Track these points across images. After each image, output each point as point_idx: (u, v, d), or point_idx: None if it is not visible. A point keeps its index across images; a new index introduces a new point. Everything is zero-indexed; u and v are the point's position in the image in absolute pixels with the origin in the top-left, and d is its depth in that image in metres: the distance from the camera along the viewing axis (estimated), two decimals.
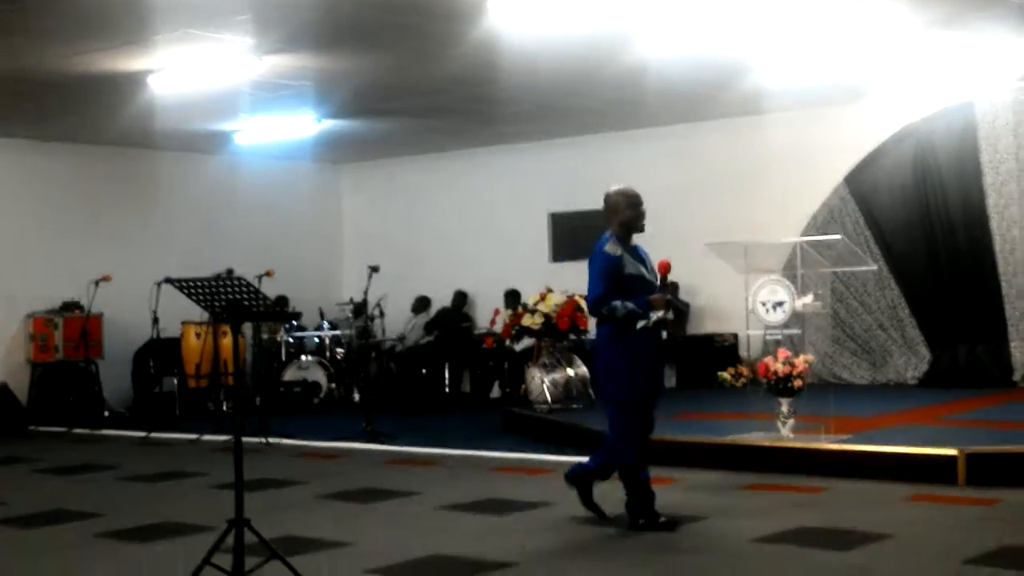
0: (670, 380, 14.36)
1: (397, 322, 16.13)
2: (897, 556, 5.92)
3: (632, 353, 6.71)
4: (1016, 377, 12.39)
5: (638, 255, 6.85)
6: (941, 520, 6.81)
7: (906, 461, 8.14)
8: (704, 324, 14.33)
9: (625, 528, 6.71)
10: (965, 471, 7.83)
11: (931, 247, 13.01)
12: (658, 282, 6.81)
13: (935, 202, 12.95)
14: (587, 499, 7.08)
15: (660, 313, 6.67)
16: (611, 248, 6.73)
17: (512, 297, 14.51)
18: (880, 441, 8.63)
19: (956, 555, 5.85)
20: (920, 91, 12.79)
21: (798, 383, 8.69)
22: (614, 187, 6.98)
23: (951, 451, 7.98)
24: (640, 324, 6.61)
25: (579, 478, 7.10)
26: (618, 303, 6.59)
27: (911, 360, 13.04)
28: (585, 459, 7.17)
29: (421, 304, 16.13)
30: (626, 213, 6.82)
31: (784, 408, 8.83)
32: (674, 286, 14.33)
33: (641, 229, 6.88)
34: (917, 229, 13.10)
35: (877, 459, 8.24)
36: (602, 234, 6.83)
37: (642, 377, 6.74)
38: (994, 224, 12.51)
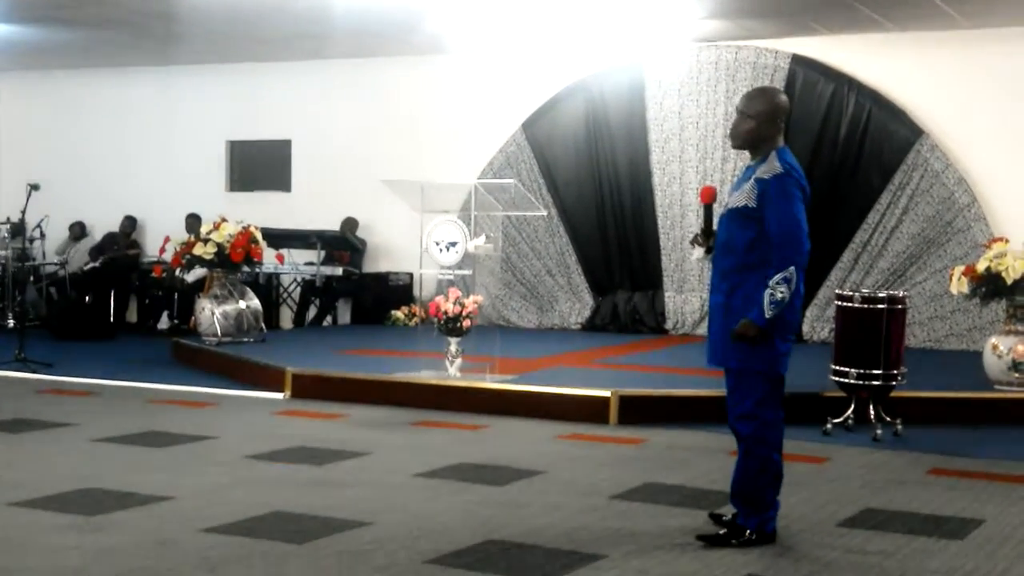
0: (344, 316, 14.40)
1: (59, 245, 15.32)
2: (548, 491, 6.19)
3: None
4: (668, 325, 13.15)
5: (742, 178, 5.19)
6: (592, 458, 7.17)
7: (564, 401, 8.52)
8: (379, 262, 14.38)
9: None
10: (617, 411, 8.29)
11: (599, 198, 13.54)
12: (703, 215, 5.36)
13: (604, 155, 13.47)
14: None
15: (695, 252, 5.28)
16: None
17: (194, 220, 14.01)
18: (541, 382, 8.99)
19: (603, 491, 6.19)
20: (593, 46, 13.21)
21: (467, 324, 8.94)
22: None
23: (605, 392, 8.41)
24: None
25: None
26: None
27: (575, 306, 13.59)
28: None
29: (80, 230, 15.44)
30: None
31: (452, 348, 9.06)
32: (352, 223, 14.29)
33: (734, 145, 5.26)
34: (587, 180, 13.60)
35: (537, 399, 8.58)
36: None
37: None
38: (656, 179, 13.16)
